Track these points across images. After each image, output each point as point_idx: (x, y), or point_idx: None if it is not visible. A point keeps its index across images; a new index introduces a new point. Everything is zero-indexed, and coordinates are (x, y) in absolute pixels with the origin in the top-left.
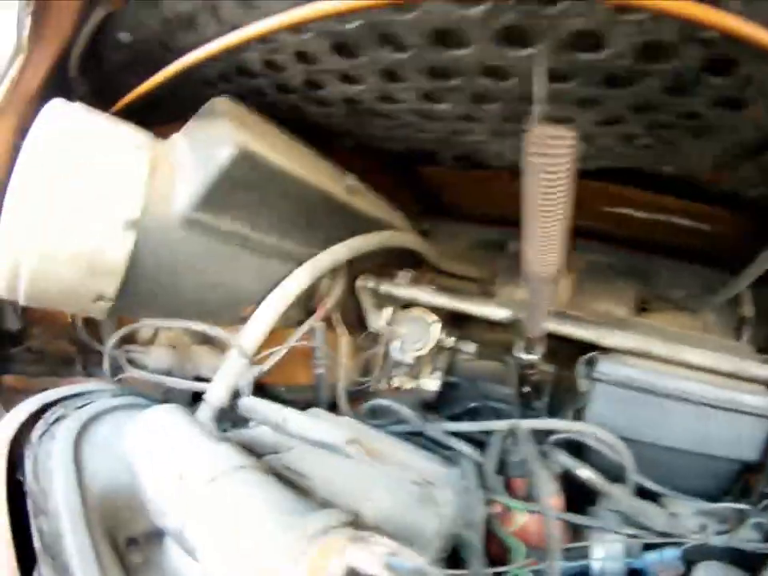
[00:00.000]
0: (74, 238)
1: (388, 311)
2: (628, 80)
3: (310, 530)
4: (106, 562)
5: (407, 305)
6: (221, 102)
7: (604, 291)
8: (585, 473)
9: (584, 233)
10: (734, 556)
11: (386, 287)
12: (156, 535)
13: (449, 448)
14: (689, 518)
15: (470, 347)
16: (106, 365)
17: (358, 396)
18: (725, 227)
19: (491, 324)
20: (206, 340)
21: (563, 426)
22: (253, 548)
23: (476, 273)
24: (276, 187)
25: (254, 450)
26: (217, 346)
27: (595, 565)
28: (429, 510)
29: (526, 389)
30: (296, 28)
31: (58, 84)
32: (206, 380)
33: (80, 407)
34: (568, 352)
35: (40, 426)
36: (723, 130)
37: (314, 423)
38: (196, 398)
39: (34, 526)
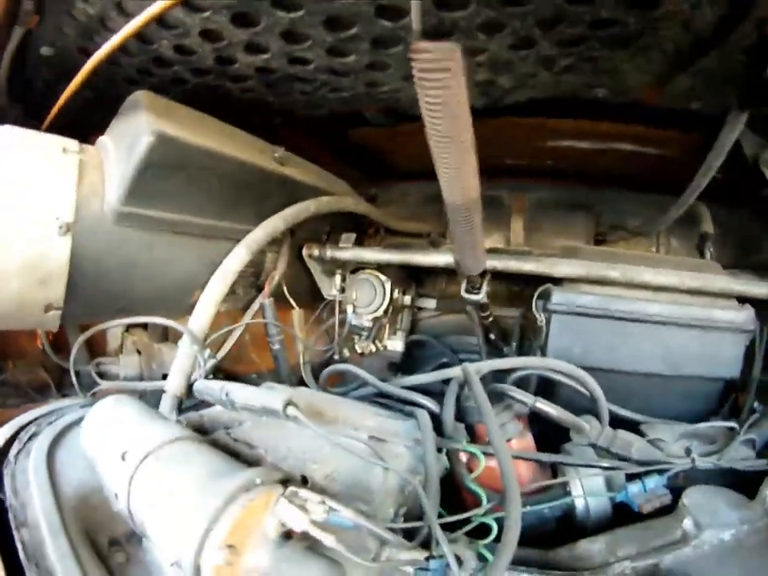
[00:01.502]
0: (14, 251)
1: (338, 277)
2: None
3: (231, 488)
4: (87, 563)
5: (357, 269)
6: (139, 95)
7: (557, 227)
8: (544, 407)
9: (529, 171)
10: (725, 477)
11: (330, 252)
12: (137, 534)
13: (410, 403)
14: (672, 443)
15: (430, 303)
16: (73, 380)
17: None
18: (674, 149)
19: (450, 278)
20: (165, 337)
21: (509, 363)
22: (181, 513)
23: (426, 228)
24: (201, 168)
25: (206, 429)
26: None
27: (578, 502)
28: (377, 467)
29: (493, 336)
30: (195, 7)
31: None
32: None
33: (52, 422)
34: (532, 293)
35: (16, 446)
36: (646, 37)
37: (253, 391)
38: None
39: (17, 538)
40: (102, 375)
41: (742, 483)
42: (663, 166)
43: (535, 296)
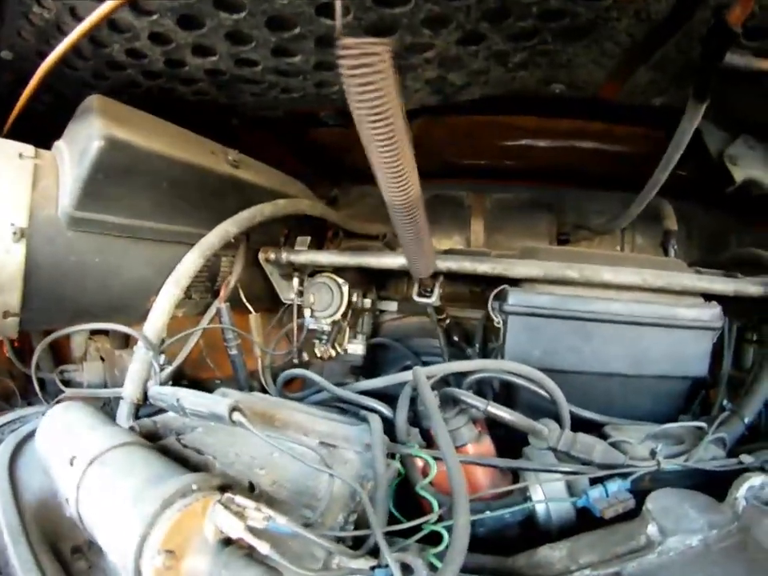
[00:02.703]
0: None
1: (296, 281)
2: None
3: (167, 493)
4: (49, 569)
5: (315, 272)
6: (92, 100)
7: (519, 228)
8: (497, 411)
9: (490, 171)
10: (694, 479)
11: (286, 255)
12: None
13: (364, 408)
14: (637, 444)
15: (391, 306)
16: (36, 387)
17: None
18: (638, 146)
19: (411, 280)
20: (126, 343)
21: (463, 366)
22: (120, 518)
23: (384, 230)
24: (153, 172)
25: (159, 435)
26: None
27: (539, 507)
28: (328, 474)
29: (456, 338)
30: (143, 10)
31: None
32: None
33: (14, 430)
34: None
35: None
36: (599, 28)
37: (201, 398)
38: None
39: None
40: (66, 383)
41: (713, 484)
42: (627, 163)
43: (491, 297)
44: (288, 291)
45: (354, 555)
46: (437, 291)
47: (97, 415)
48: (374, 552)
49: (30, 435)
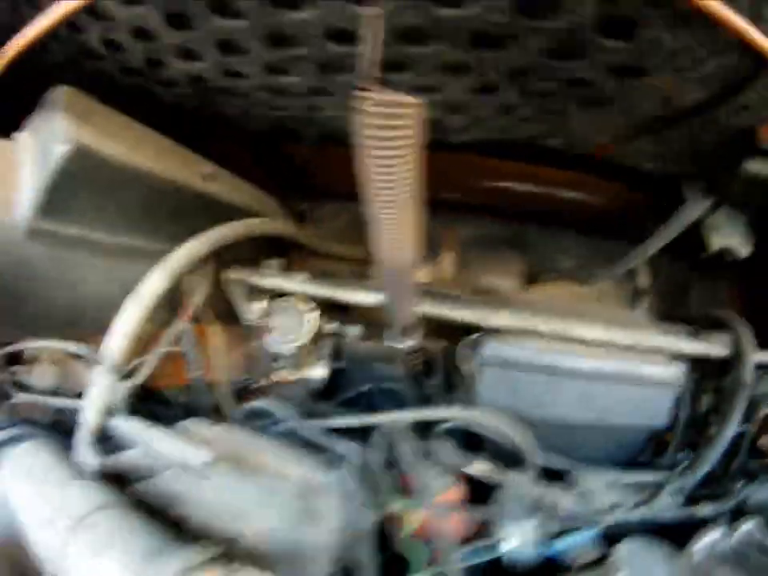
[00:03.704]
0: None
1: (261, 303)
2: (502, 40)
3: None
4: None
5: (281, 294)
6: (60, 92)
7: (488, 265)
8: (473, 467)
9: (462, 206)
10: (657, 527)
11: (254, 278)
12: None
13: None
14: (602, 494)
15: (355, 330)
16: None
17: (245, 394)
18: (616, 200)
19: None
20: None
21: (437, 414)
22: None
23: (355, 252)
24: (121, 183)
25: (129, 476)
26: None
27: (505, 556)
28: (311, 524)
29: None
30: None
31: None
32: None
33: None
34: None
35: None
36: (619, 102)
37: (173, 444)
38: None
39: None
40: (17, 386)
41: (674, 531)
42: (604, 214)
43: (462, 345)
44: (249, 313)
45: None
46: (416, 334)
47: (60, 462)
48: None
49: None
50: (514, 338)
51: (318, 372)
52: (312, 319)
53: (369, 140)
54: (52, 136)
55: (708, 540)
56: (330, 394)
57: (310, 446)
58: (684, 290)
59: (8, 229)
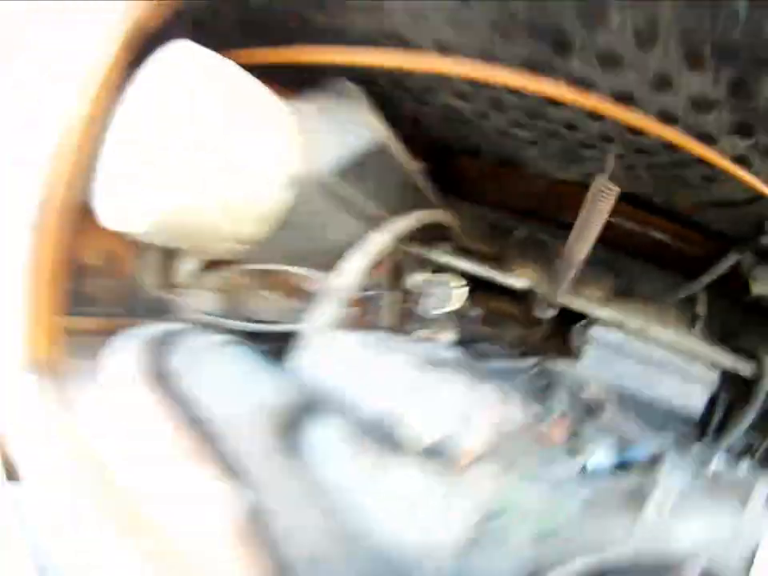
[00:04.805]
0: (236, 189)
1: (424, 274)
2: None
3: None
4: None
5: (436, 270)
6: (353, 90)
7: (587, 279)
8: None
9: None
10: None
11: (434, 254)
12: None
13: None
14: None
15: (477, 311)
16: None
17: None
18: (697, 249)
19: (497, 296)
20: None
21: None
22: None
23: (489, 251)
24: (389, 170)
25: None
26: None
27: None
28: None
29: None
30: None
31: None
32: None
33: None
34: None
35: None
36: (714, 189)
37: None
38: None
39: None
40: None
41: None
42: (678, 254)
43: (578, 326)
44: (413, 280)
45: None
46: (553, 311)
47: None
48: None
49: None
50: (611, 327)
51: (448, 336)
52: (460, 294)
53: (595, 205)
54: (356, 126)
55: None
56: None
57: None
58: (732, 322)
59: (308, 179)
